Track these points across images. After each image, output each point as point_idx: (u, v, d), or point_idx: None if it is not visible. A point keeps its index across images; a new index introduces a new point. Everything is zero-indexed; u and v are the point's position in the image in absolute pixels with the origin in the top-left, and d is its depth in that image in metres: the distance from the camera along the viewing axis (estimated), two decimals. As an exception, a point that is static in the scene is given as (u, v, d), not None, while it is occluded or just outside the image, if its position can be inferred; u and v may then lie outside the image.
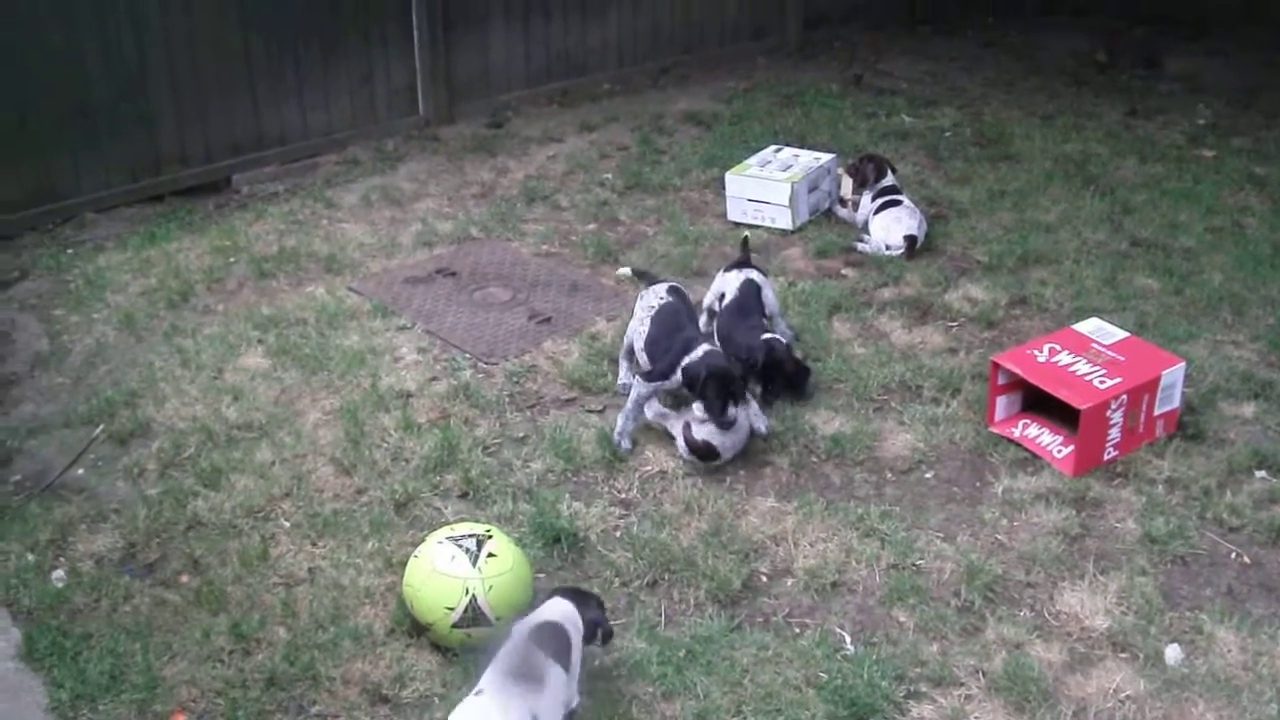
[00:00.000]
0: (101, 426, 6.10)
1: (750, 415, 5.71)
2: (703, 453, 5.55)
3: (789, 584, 4.96)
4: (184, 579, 5.13)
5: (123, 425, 6.09)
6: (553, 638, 4.13)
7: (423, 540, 4.84)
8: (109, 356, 6.75)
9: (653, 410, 5.83)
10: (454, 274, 7.45)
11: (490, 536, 4.69)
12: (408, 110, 9.64)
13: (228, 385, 6.37)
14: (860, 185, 7.80)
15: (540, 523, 5.23)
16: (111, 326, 7.02)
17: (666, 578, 4.99)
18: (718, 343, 6.04)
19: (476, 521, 5.12)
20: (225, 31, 8.61)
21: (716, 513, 5.32)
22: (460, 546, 4.61)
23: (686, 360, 5.60)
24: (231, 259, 7.75)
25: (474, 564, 4.56)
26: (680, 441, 5.63)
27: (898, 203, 7.55)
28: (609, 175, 8.78)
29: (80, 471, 5.85)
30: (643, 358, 5.91)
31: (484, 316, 6.96)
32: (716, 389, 5.45)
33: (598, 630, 4.31)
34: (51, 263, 7.82)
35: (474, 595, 4.53)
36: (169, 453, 5.87)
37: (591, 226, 8.05)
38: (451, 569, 4.57)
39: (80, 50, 8.08)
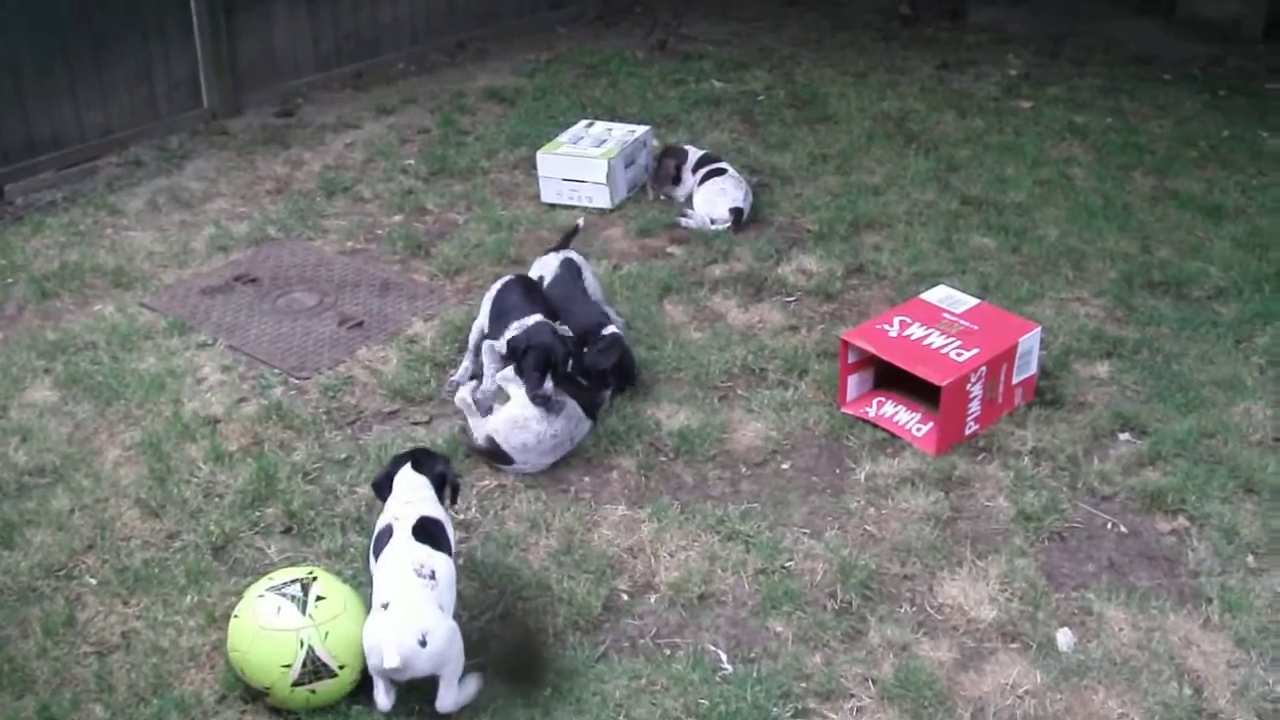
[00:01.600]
0: None
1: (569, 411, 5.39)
2: (488, 452, 5.28)
3: (653, 600, 4.62)
4: (-22, 658, 4.56)
5: (-107, 480, 5.44)
6: (432, 527, 4.30)
7: (241, 595, 4.36)
8: (-128, 401, 6.04)
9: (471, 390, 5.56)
10: (254, 280, 6.90)
11: (315, 579, 4.26)
12: (191, 104, 8.96)
13: (14, 424, 5.75)
14: (670, 182, 7.46)
15: (376, 556, 4.77)
16: (-128, 366, 6.30)
17: (520, 606, 4.60)
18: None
19: (297, 564, 4.67)
20: (-19, 30, 7.84)
21: (565, 527, 4.95)
22: (285, 595, 4.17)
23: (513, 331, 5.35)
24: (9, 279, 7.05)
25: (303, 612, 4.13)
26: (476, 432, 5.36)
27: (721, 172, 7.24)
28: (411, 161, 8.29)
29: None
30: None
31: (291, 326, 6.44)
32: (535, 360, 5.19)
33: (445, 484, 4.54)
34: None
35: (310, 646, 4.10)
36: (-49, 509, 5.25)
37: (398, 218, 7.57)
38: (279, 622, 4.12)
39: None
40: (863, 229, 7.10)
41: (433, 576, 4.11)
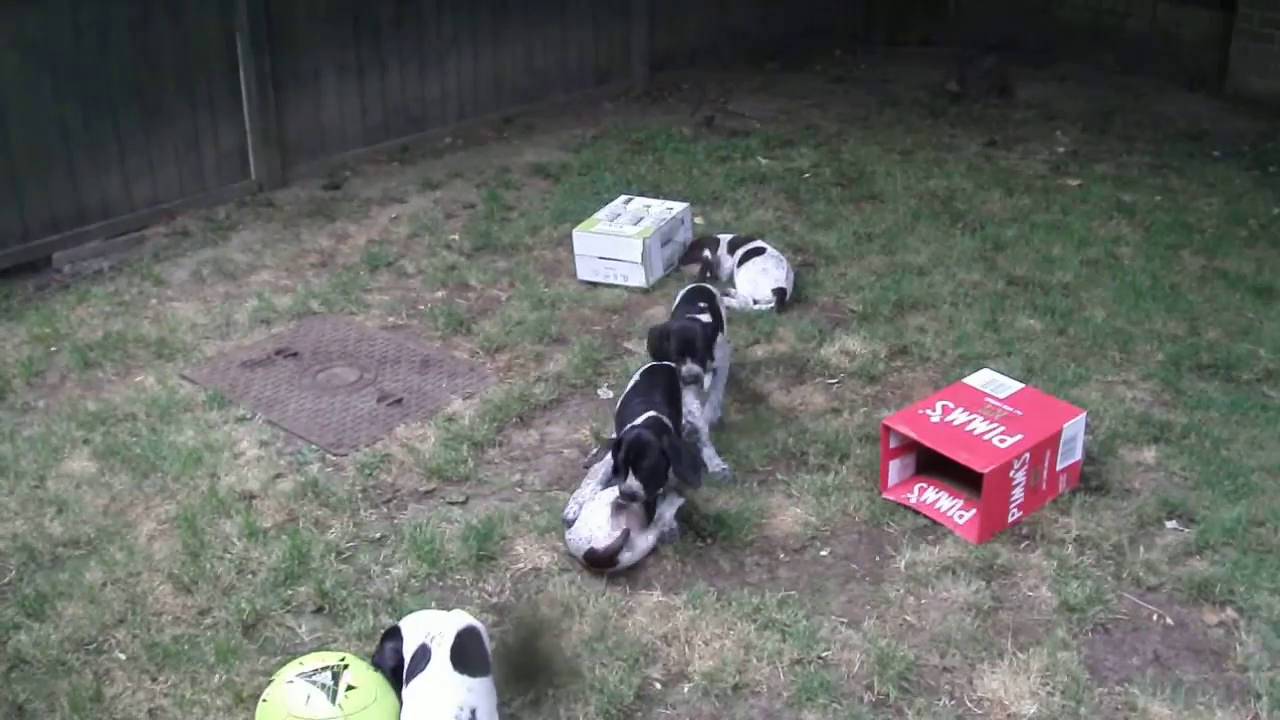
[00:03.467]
0: (-95, 555, 5.44)
1: (663, 515, 5.29)
2: (592, 558, 5.11)
3: (686, 690, 4.52)
4: (6, 733, 4.53)
5: (-68, 551, 5.44)
6: (471, 643, 4.15)
7: (271, 678, 4.29)
8: (-86, 470, 6.07)
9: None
10: (295, 354, 6.90)
11: (346, 666, 4.19)
12: (239, 175, 9.04)
13: (51, 495, 5.74)
14: (703, 276, 7.44)
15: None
16: (-83, 435, 6.34)
17: (551, 693, 4.51)
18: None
19: (328, 646, 4.61)
20: (36, 100, 7.94)
21: (599, 613, 4.87)
22: (314, 683, 4.10)
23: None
24: (53, 348, 7.09)
25: (333, 701, 4.06)
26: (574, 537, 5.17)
27: (760, 251, 7.20)
28: (455, 236, 8.30)
29: (-117, 609, 5.19)
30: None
31: (330, 401, 6.42)
32: (625, 453, 5.07)
33: None
34: None
35: (338, 739, 4.01)
36: (-13, 579, 5.24)
37: (440, 294, 7.56)
38: (309, 711, 4.05)
39: None
40: (907, 310, 7.03)
41: (473, 717, 3.97)
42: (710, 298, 6.26)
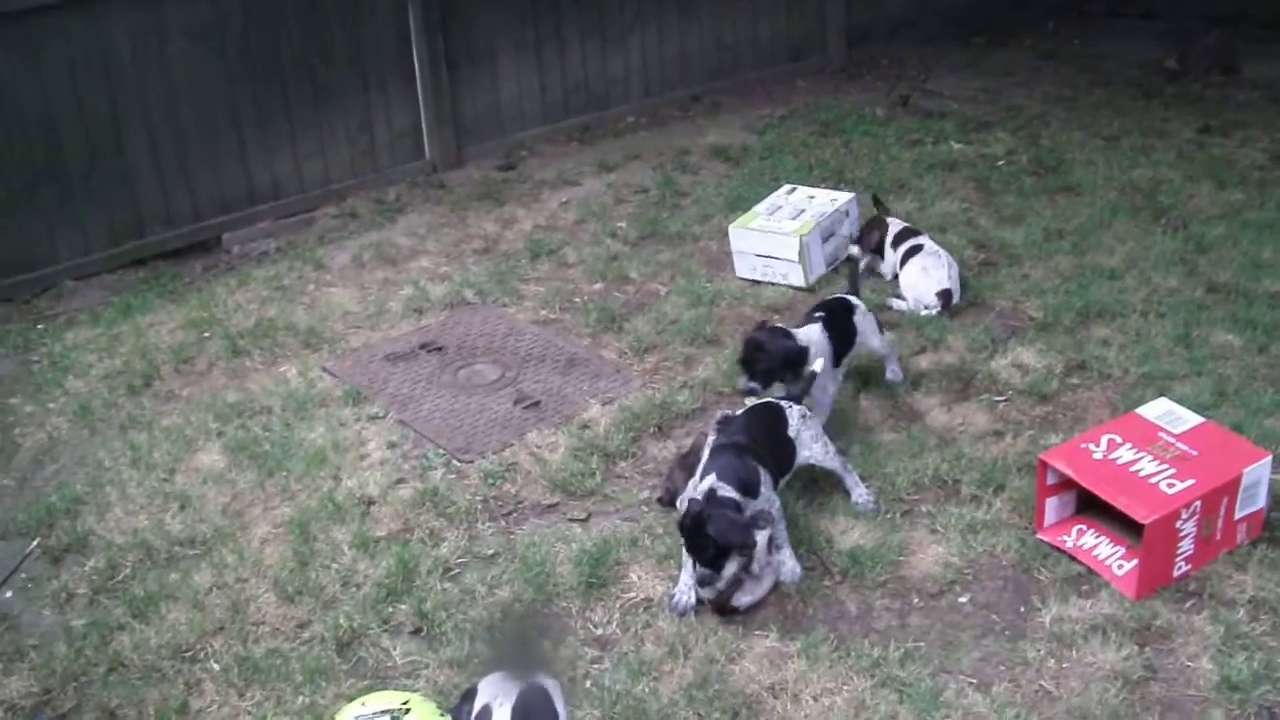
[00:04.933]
0: (36, 542, 5.48)
1: (764, 563, 4.78)
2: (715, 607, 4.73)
3: (787, 751, 4.10)
4: (96, 736, 4.43)
5: (60, 539, 5.47)
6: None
7: (334, 716, 4.05)
8: (59, 454, 6.12)
9: None
10: (440, 348, 6.68)
11: (408, 710, 3.90)
12: (412, 155, 8.92)
13: (176, 490, 5.68)
14: (872, 251, 6.89)
15: (499, 669, 4.41)
16: (66, 418, 6.39)
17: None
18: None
19: (415, 677, 4.36)
20: (208, 82, 7.96)
21: (706, 656, 4.48)
22: (374, 728, 3.82)
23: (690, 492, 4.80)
24: (205, 334, 7.07)
25: (389, 748, 3.77)
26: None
27: (919, 249, 6.63)
28: (622, 224, 7.97)
29: (9, 594, 5.23)
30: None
31: (465, 402, 6.17)
32: (689, 541, 4.61)
33: None
34: (19, 340, 7.22)
35: (394, 787, 3.73)
36: (103, 574, 5.22)
37: (598, 286, 7.25)
38: (364, 756, 3.77)
39: (50, 111, 7.52)
40: (1092, 319, 6.37)
41: None
42: (837, 311, 5.76)
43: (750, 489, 4.68)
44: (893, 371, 5.96)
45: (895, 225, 6.89)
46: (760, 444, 4.90)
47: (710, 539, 4.50)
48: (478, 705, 3.82)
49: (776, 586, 4.79)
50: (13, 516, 5.63)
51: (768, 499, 4.75)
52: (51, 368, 6.88)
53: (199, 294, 7.56)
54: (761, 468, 4.78)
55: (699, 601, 4.69)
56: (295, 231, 8.37)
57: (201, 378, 6.67)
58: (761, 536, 4.69)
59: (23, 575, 5.33)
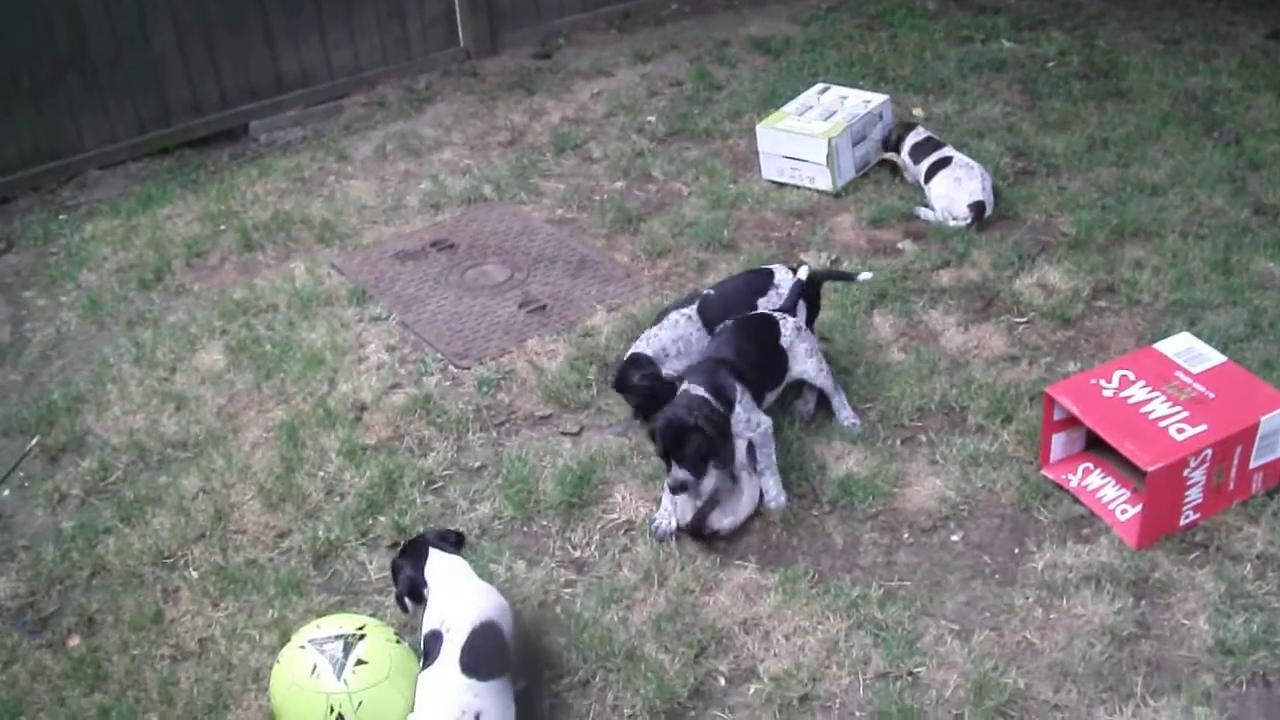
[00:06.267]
0: (36, 440, 5.46)
1: (742, 478, 4.62)
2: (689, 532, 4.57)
3: (750, 693, 3.98)
4: (72, 641, 4.48)
5: (59, 437, 5.48)
6: (487, 643, 3.70)
7: (291, 635, 3.98)
8: (66, 350, 6.11)
9: None
10: (451, 246, 6.52)
11: (363, 636, 3.83)
12: (445, 42, 8.68)
13: (175, 390, 5.63)
14: (888, 148, 6.63)
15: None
16: (76, 313, 6.37)
17: (600, 676, 4.05)
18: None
19: (353, 611, 4.28)
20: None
21: (680, 585, 4.35)
22: (324, 653, 3.77)
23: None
24: (222, 226, 6.97)
25: (339, 676, 3.72)
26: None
27: (947, 161, 6.30)
28: (652, 118, 7.71)
29: (6, 493, 5.25)
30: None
31: (470, 304, 6.02)
32: (663, 443, 4.45)
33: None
34: (40, 231, 7.19)
35: (340, 715, 3.68)
36: (96, 475, 5.22)
37: (619, 184, 7.02)
38: (312, 683, 3.73)
39: (75, -2, 7.34)
40: (1127, 238, 6.03)
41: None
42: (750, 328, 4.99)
43: (722, 399, 4.50)
44: (846, 416, 5.04)
45: (917, 134, 6.55)
46: (747, 359, 4.70)
47: (689, 431, 4.34)
48: (426, 626, 3.73)
49: (758, 513, 4.61)
50: (16, 414, 5.62)
51: (747, 419, 4.56)
52: (67, 260, 6.84)
53: (220, 184, 7.44)
54: (739, 384, 4.59)
55: (680, 528, 4.53)
56: (322, 119, 8.20)
57: (213, 272, 6.58)
58: (740, 444, 4.54)
59: (21, 474, 5.33)
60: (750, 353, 4.72)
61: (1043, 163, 6.72)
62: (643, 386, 4.92)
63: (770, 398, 4.85)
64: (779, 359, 4.83)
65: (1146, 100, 7.25)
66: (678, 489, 4.40)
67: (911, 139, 6.52)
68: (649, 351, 5.03)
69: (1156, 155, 6.67)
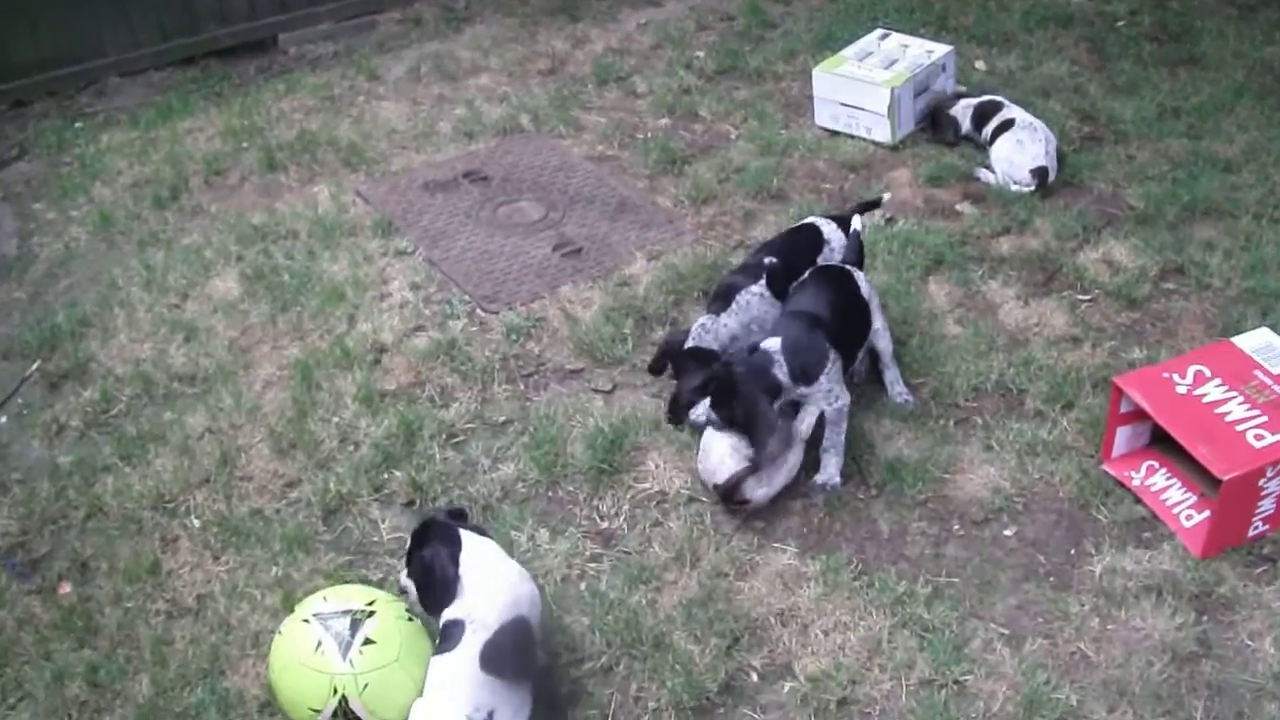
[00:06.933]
0: (37, 365, 5.22)
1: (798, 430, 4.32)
2: (721, 493, 4.28)
3: (784, 691, 3.71)
4: (63, 589, 4.26)
5: (60, 363, 5.26)
6: (512, 644, 3.43)
7: (296, 605, 3.72)
8: (74, 268, 5.86)
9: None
10: (484, 179, 6.20)
11: (372, 614, 3.56)
12: (487, -41, 8.27)
13: (185, 319, 5.37)
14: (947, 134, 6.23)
15: (489, 560, 4.05)
16: (86, 229, 6.11)
17: (625, 664, 3.79)
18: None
19: (362, 573, 4.01)
20: None
21: (714, 568, 4.07)
22: (329, 630, 3.51)
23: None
24: (244, 144, 6.67)
25: (344, 655, 3.47)
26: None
27: (1011, 123, 5.92)
28: (700, 54, 7.33)
29: (3, 420, 5.02)
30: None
31: (501, 243, 5.71)
32: (712, 395, 4.24)
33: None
34: (53, 139, 6.91)
35: (344, 696, 3.42)
36: (97, 406, 4.99)
37: (664, 121, 6.67)
38: (316, 661, 3.47)
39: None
40: (1198, 216, 5.67)
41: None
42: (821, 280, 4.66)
43: (809, 374, 4.22)
44: (899, 391, 4.74)
45: (972, 100, 6.17)
46: (839, 316, 4.40)
47: (734, 402, 4.13)
48: (448, 614, 3.45)
49: (801, 492, 4.33)
50: (18, 335, 5.40)
51: (827, 390, 4.27)
52: (81, 172, 6.57)
53: (244, 99, 7.12)
54: (833, 351, 4.29)
55: (716, 492, 4.24)
56: (355, 35, 7.86)
57: (232, 193, 6.28)
58: (811, 415, 4.29)
59: (19, 400, 5.12)
60: (840, 308, 4.42)
61: (1110, 129, 6.33)
62: (693, 399, 4.56)
63: (858, 363, 4.60)
64: (863, 314, 4.54)
65: (1221, 69, 6.82)
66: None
67: (972, 101, 6.13)
68: (715, 343, 4.65)
69: (1230, 129, 6.27)
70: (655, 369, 4.79)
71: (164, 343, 5.24)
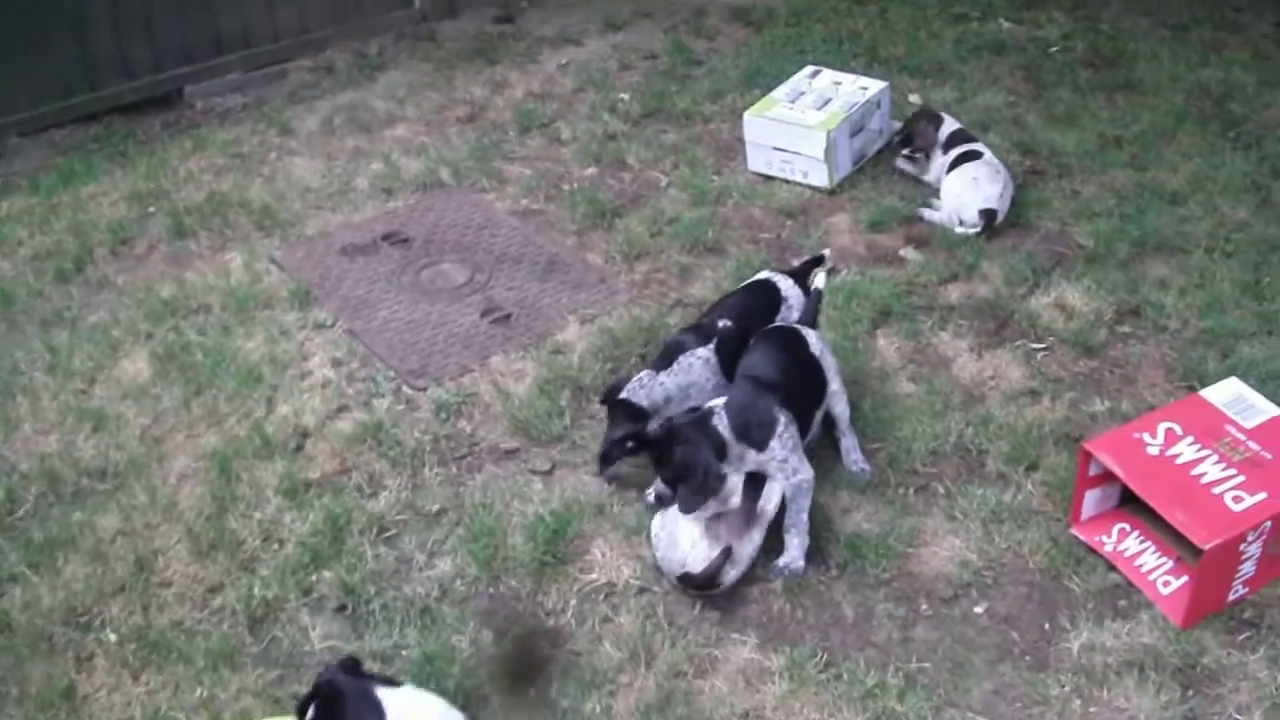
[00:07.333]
0: (-71, 467, 4.81)
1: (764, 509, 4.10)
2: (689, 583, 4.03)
3: (753, 806, 3.44)
4: (-33, 721, 3.86)
5: (-39, 460, 4.81)
6: None
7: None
8: (-29, 352, 5.43)
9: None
10: (405, 240, 5.91)
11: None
12: (400, 2, 7.99)
13: (93, 407, 5.01)
14: (923, 150, 5.99)
15: (430, 668, 3.78)
16: (-15, 307, 5.68)
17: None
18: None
19: (295, 689, 3.72)
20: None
21: (671, 665, 3.82)
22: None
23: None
24: (150, 208, 6.32)
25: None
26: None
27: (977, 155, 5.74)
28: (625, 96, 7.09)
29: (-105, 525, 4.59)
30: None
31: (426, 310, 5.43)
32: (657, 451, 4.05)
33: None
34: (-52, 206, 6.48)
35: None
36: (2, 508, 4.65)
37: (591, 171, 6.42)
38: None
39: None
40: (1149, 252, 5.50)
41: None
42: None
43: (753, 436, 4.01)
44: (855, 460, 4.50)
45: (950, 125, 5.96)
46: (791, 378, 4.19)
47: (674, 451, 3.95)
48: None
49: (758, 576, 4.09)
50: (-88, 429, 5.00)
51: (782, 461, 4.04)
52: (-23, 243, 6.17)
53: (150, 158, 6.77)
54: (784, 414, 4.07)
55: (686, 578, 3.99)
56: (265, 86, 7.53)
57: (139, 263, 5.94)
58: (774, 498, 4.05)
59: (-86, 503, 4.72)
60: (791, 371, 4.21)
61: (1053, 161, 6.16)
62: (624, 449, 4.35)
63: (815, 428, 4.35)
64: (816, 373, 4.32)
65: (1159, 94, 6.68)
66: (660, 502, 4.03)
67: (947, 127, 5.92)
68: (645, 401, 4.44)
69: (1174, 157, 6.12)
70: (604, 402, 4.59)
71: (71, 433, 4.89)
